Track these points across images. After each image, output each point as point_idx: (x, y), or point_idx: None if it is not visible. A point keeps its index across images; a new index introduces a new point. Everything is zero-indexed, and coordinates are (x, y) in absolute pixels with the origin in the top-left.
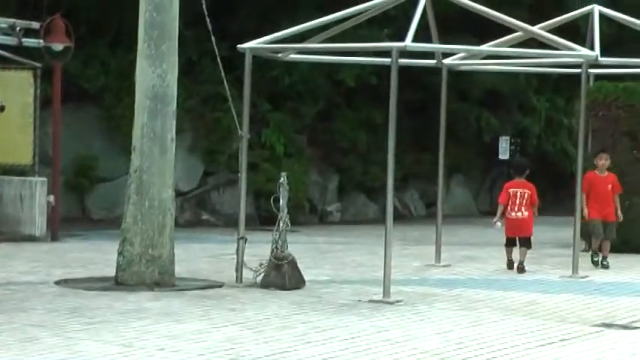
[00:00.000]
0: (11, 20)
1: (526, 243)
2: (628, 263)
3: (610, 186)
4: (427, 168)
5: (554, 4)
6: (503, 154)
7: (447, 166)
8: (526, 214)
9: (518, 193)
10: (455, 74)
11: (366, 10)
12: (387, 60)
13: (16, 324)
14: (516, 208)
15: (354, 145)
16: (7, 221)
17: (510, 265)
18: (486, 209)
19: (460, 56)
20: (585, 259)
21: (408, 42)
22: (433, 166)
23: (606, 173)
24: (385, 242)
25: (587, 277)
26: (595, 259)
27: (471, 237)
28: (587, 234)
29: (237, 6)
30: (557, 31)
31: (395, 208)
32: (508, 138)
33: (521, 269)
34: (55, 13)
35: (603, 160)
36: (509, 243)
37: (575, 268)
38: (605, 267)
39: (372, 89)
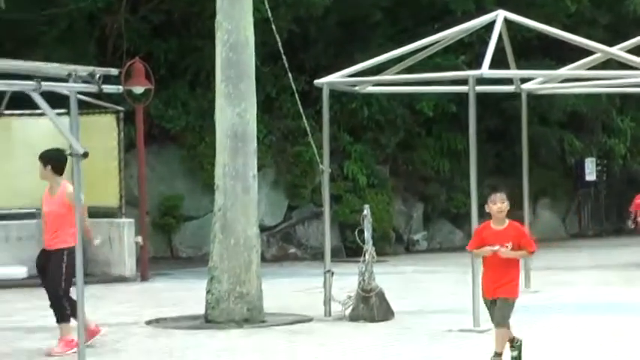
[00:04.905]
0: (90, 68)
1: None
2: None
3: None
4: (512, 193)
5: (632, 23)
6: (590, 176)
7: (532, 190)
8: None
9: None
10: (534, 98)
11: (441, 40)
12: (464, 88)
13: None
14: None
15: (437, 172)
16: (96, 263)
17: None
18: (575, 232)
19: (539, 80)
20: None
21: (485, 69)
22: (518, 190)
23: (506, 223)
24: (473, 270)
25: None
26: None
27: (560, 261)
28: None
29: (312, 41)
30: (637, 49)
31: None
32: (594, 159)
33: None
34: (134, 57)
35: (499, 204)
36: None
37: None
38: None
39: (452, 117)
